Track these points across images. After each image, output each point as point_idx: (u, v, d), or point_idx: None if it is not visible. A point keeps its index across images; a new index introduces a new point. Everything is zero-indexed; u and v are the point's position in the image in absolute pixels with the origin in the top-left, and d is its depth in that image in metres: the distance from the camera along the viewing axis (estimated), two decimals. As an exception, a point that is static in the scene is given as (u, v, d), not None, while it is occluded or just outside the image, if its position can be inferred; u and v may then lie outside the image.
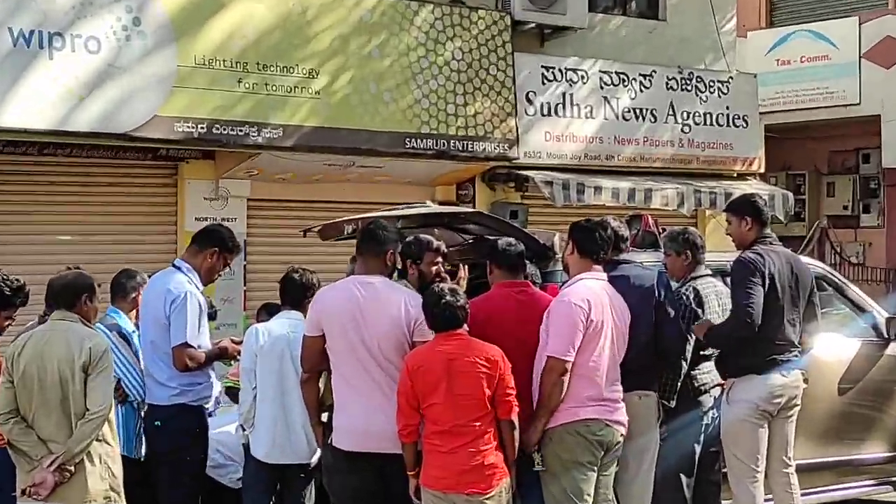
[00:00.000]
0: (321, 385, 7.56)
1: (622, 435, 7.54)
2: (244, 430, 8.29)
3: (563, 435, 7.35)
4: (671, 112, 17.81)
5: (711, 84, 18.28)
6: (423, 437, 6.98)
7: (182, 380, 8.04)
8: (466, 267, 8.68)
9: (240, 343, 8.35)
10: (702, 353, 8.54)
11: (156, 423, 8.07)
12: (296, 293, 8.31)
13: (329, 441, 7.27)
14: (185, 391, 8.06)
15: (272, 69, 14.13)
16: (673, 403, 8.34)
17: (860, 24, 21.98)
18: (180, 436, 8.04)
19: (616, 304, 7.62)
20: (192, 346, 7.99)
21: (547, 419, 7.35)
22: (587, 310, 7.39)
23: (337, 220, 10.01)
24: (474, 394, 6.93)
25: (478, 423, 6.93)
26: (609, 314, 7.52)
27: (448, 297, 7.04)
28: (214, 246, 8.35)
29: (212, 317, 8.67)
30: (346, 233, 9.71)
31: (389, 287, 7.33)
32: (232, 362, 8.92)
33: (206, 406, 8.31)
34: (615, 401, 7.54)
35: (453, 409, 6.91)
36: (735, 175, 18.53)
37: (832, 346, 9.86)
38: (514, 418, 7.05)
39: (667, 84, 17.80)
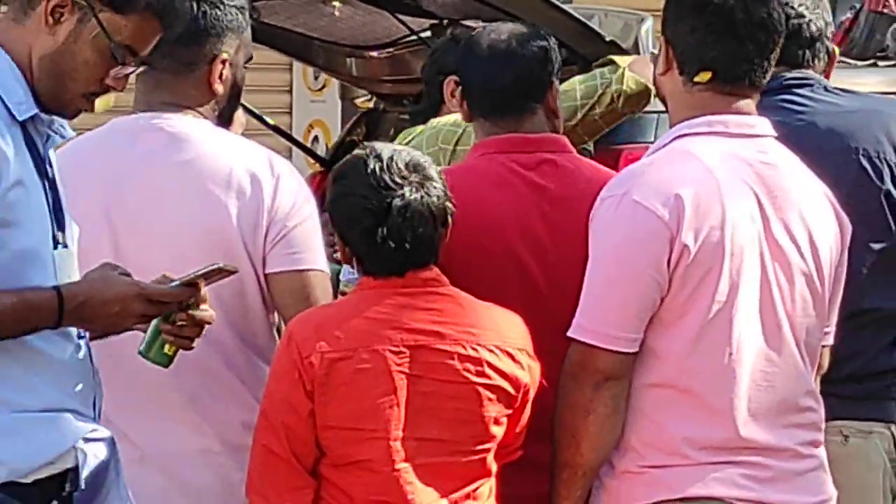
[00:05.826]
0: None
1: None
2: None
3: None
4: None
5: None
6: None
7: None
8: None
9: None
10: None
11: None
12: None
13: None
14: None
15: None
16: None
17: None
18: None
19: (779, 199, 3.29)
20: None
21: (582, 488, 3.33)
22: (676, 220, 3.18)
23: None
24: (466, 429, 3.31)
25: (475, 484, 3.31)
26: (755, 226, 3.25)
27: (407, 186, 3.24)
28: None
29: None
30: None
31: (209, 135, 3.38)
32: None
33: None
34: (788, 452, 3.30)
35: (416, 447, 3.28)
36: None
37: None
38: None
39: None
